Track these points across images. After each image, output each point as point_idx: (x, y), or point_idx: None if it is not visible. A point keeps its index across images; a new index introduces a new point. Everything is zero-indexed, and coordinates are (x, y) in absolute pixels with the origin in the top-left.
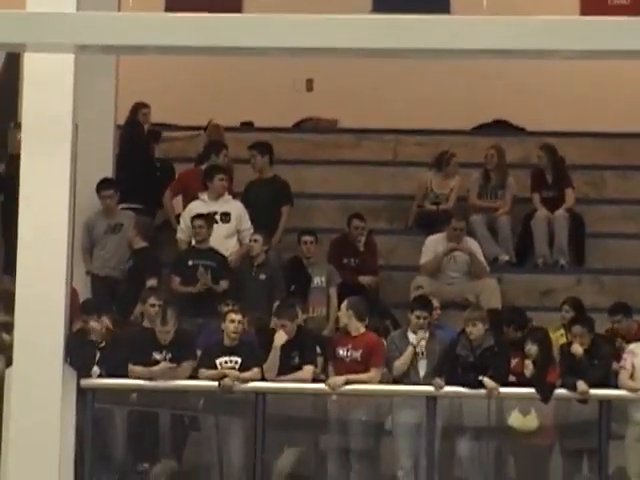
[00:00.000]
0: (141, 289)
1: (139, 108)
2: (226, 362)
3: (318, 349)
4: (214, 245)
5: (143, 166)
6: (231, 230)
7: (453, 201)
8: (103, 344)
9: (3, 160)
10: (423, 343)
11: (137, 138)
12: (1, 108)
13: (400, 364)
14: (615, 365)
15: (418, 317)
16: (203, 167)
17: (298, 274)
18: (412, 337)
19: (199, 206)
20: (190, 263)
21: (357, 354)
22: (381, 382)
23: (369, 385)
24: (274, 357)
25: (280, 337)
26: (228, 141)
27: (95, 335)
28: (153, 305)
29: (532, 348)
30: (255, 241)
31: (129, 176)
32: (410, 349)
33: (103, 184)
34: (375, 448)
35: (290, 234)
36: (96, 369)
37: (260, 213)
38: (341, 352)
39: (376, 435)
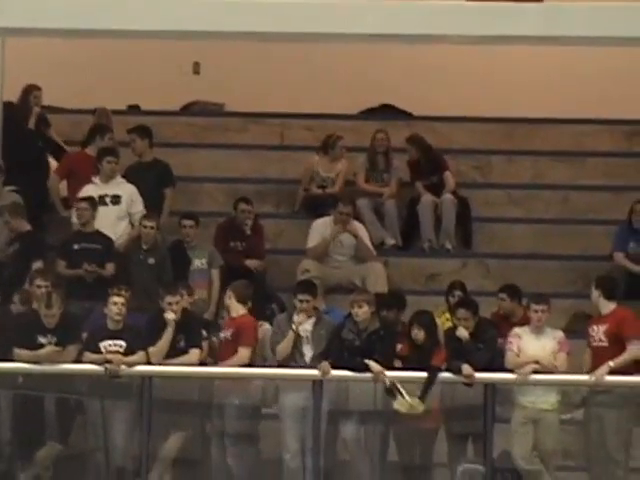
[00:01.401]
0: (26, 272)
1: (31, 90)
2: (110, 345)
3: (204, 332)
4: (104, 228)
5: (31, 148)
6: (122, 212)
7: (340, 185)
8: None
9: None
10: (308, 327)
11: (25, 120)
12: None
13: (282, 348)
14: (500, 341)
15: (301, 301)
16: (87, 150)
17: (179, 257)
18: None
19: (90, 189)
20: (76, 247)
21: (229, 334)
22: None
23: (256, 369)
24: (167, 339)
25: (169, 319)
26: (115, 124)
27: None
28: (39, 286)
29: (419, 333)
30: (149, 227)
31: (17, 158)
32: (291, 333)
33: None
34: (260, 432)
35: (174, 217)
36: None
37: (143, 196)
38: (222, 335)
39: (260, 418)
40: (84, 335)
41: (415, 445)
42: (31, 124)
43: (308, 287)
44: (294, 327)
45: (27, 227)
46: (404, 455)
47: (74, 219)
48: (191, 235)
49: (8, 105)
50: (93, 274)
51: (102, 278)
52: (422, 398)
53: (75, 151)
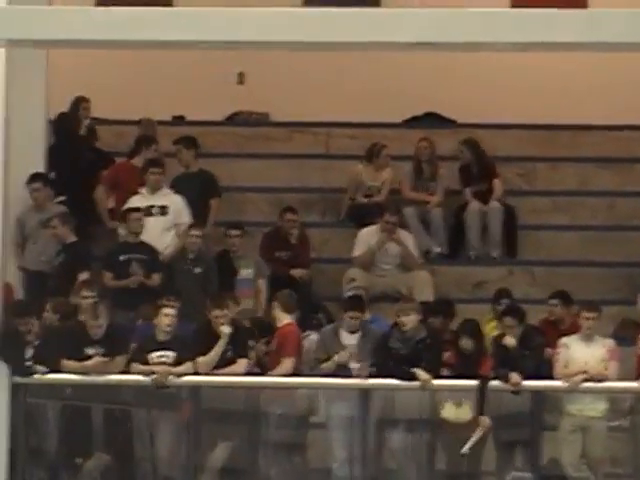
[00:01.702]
0: (72, 284)
1: (80, 102)
2: (159, 357)
3: (251, 342)
4: (151, 238)
5: (81, 159)
6: (168, 223)
7: (385, 194)
8: (37, 342)
9: None
10: (354, 342)
11: (75, 131)
12: None
13: (327, 368)
14: (548, 352)
15: (352, 317)
16: (133, 161)
17: (225, 267)
18: (344, 336)
19: (137, 200)
20: (122, 258)
21: (274, 344)
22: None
23: (303, 378)
24: (218, 351)
25: (224, 332)
26: (159, 135)
27: (30, 336)
28: (86, 297)
29: (467, 342)
30: (195, 237)
31: (66, 170)
32: (337, 358)
33: (32, 178)
34: (308, 441)
35: (221, 227)
36: (42, 368)
37: (189, 207)
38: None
39: (308, 428)
40: (132, 346)
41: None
42: (81, 135)
43: (358, 303)
44: (346, 344)
45: (73, 238)
46: (452, 463)
47: (122, 230)
48: (237, 245)
49: (61, 116)
50: (139, 281)
51: (148, 289)
52: (479, 410)
53: (121, 162)
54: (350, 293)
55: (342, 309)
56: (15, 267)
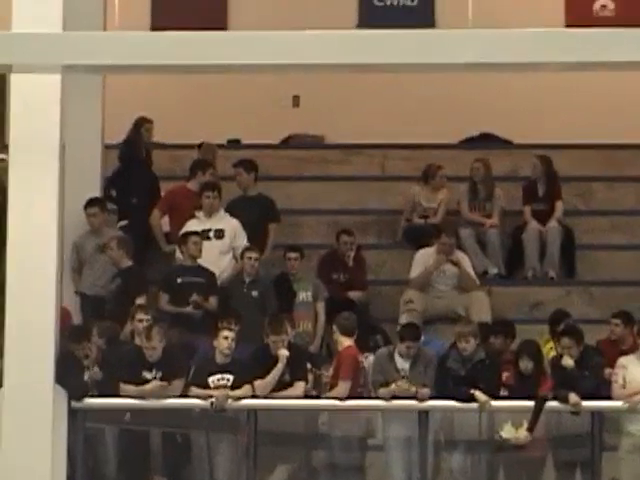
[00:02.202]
0: (129, 308)
1: (142, 123)
2: (218, 380)
3: (308, 365)
4: (208, 262)
5: (143, 183)
6: (225, 247)
7: (442, 215)
8: (95, 367)
9: None
10: (406, 366)
11: (139, 154)
12: None
13: (384, 393)
14: (607, 372)
15: (407, 347)
16: (189, 184)
17: (284, 290)
18: (399, 361)
19: (193, 224)
20: (179, 280)
21: (333, 367)
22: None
23: (360, 401)
24: (276, 374)
25: (282, 355)
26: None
27: (87, 362)
28: (141, 320)
29: (528, 364)
30: (253, 259)
31: (129, 193)
32: (396, 388)
33: (89, 203)
34: (367, 463)
35: (277, 250)
36: (98, 373)
37: (246, 230)
38: (330, 369)
39: (366, 449)
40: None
41: (523, 474)
42: (143, 158)
43: (413, 333)
44: (400, 369)
45: (128, 263)
46: None
47: (179, 254)
48: (296, 267)
49: (126, 141)
50: (199, 306)
51: (205, 312)
52: (531, 428)
53: (177, 186)
54: (405, 319)
55: (397, 336)
56: (72, 292)
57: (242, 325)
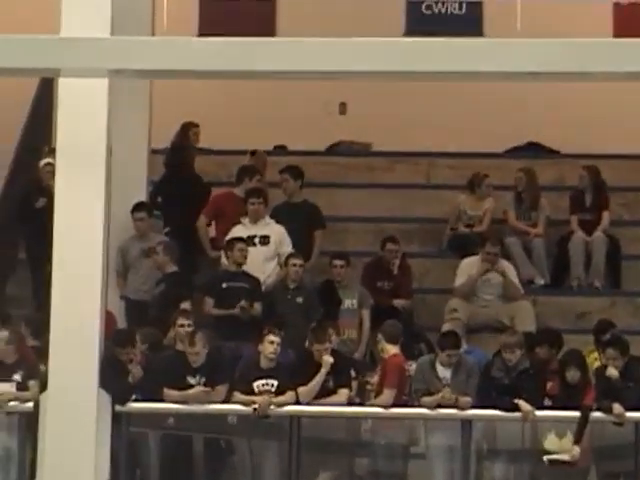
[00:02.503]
0: (172, 313)
1: (189, 127)
2: (263, 385)
3: (353, 372)
4: (253, 268)
5: (188, 188)
6: (270, 253)
7: (487, 224)
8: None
9: (45, 194)
10: (447, 375)
11: (185, 159)
12: (35, 133)
13: (427, 402)
14: None
15: (448, 356)
16: (235, 190)
17: (329, 297)
18: (440, 369)
19: (239, 230)
20: (224, 286)
21: (379, 375)
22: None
23: (403, 409)
24: (319, 381)
25: (327, 362)
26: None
27: (131, 366)
28: (183, 325)
29: (575, 374)
30: (298, 265)
31: (175, 199)
32: (441, 398)
33: (136, 207)
34: (409, 471)
35: (323, 257)
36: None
37: (291, 237)
38: (375, 377)
39: (409, 458)
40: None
41: None
42: (188, 163)
43: (453, 342)
44: (441, 377)
45: (173, 268)
46: None
47: (224, 260)
48: (342, 275)
49: (172, 146)
50: (246, 312)
51: (249, 317)
52: (577, 439)
53: (223, 192)
54: (448, 328)
55: (438, 345)
56: (117, 296)
57: (286, 331)
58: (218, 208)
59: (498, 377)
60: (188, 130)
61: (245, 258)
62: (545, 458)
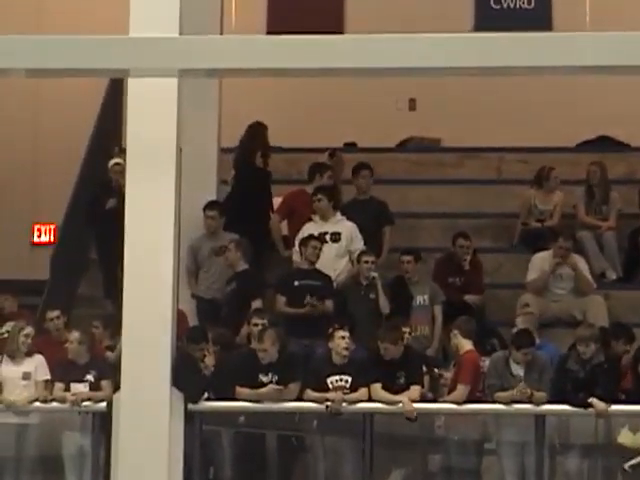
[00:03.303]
0: (244, 311)
1: (256, 128)
2: (337, 381)
3: (425, 368)
4: (324, 265)
5: (258, 187)
6: (341, 250)
7: (558, 217)
8: (212, 369)
9: (114, 195)
10: (520, 373)
11: (252, 160)
12: (106, 133)
13: (501, 398)
14: None
15: (525, 354)
16: (307, 188)
17: (401, 293)
18: (514, 367)
19: (310, 227)
20: (296, 283)
21: (453, 371)
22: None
23: (475, 405)
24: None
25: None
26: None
27: (204, 365)
28: (256, 324)
29: None
30: (370, 262)
31: (245, 197)
32: (512, 393)
33: (208, 205)
34: (483, 467)
35: (394, 253)
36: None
37: (361, 233)
38: (449, 373)
39: (483, 454)
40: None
41: None
42: (258, 162)
43: (527, 340)
44: (515, 374)
45: (244, 266)
46: None
47: (296, 257)
48: (410, 271)
49: (240, 146)
50: (315, 308)
51: (322, 314)
52: None
53: (295, 190)
54: (521, 322)
55: (511, 343)
56: (188, 295)
57: (358, 328)
58: (291, 206)
59: (574, 370)
60: (255, 131)
61: (317, 257)
62: (626, 466)
